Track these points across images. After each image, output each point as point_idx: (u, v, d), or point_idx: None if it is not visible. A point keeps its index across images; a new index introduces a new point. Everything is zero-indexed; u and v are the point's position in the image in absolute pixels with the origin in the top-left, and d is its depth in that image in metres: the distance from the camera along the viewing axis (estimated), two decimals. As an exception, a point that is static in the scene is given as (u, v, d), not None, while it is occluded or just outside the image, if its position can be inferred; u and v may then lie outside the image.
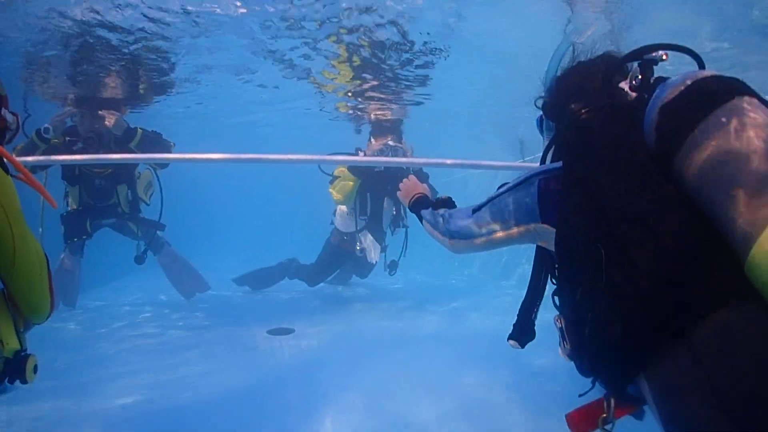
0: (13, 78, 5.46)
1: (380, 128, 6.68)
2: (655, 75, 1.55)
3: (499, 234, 1.72)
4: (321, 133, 9.11)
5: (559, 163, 1.57)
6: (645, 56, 1.54)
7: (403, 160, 5.30)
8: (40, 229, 4.73)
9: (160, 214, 5.63)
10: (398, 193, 2.51)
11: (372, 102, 6.77)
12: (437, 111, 7.24)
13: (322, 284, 6.80)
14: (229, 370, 3.89)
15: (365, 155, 5.86)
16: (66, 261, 5.62)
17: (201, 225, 14.93)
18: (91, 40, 4.37)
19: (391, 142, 5.82)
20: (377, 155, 5.71)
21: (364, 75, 5.59)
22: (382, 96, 6.41)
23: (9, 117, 1.92)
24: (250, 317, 5.53)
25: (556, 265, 1.58)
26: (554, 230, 1.52)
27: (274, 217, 17.35)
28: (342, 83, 5.99)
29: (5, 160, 1.68)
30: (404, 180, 2.53)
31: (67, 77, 5.51)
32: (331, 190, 6.02)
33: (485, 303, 6.28)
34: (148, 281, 7.42)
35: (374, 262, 6.30)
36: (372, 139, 6.14)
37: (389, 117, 7.48)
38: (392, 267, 6.19)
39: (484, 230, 1.76)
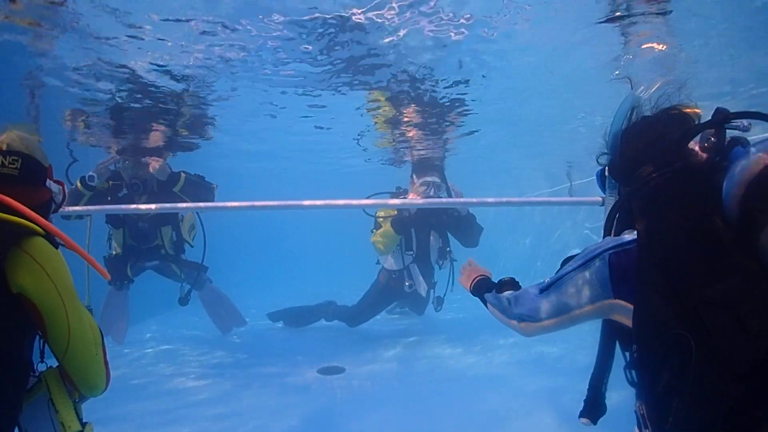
0: (58, 128, 5.57)
1: (422, 165, 6.59)
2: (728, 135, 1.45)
3: (572, 313, 1.66)
4: (359, 168, 9.05)
5: (630, 236, 1.51)
6: (727, 124, 1.45)
7: (441, 200, 5.34)
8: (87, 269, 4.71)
9: (203, 256, 5.61)
10: (459, 279, 2.48)
11: (413, 138, 6.65)
12: (477, 143, 7.05)
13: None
14: (283, 411, 3.88)
15: (409, 192, 5.76)
16: (113, 295, 5.66)
17: (243, 263, 15.01)
18: (135, 94, 4.43)
19: (432, 178, 5.73)
20: (422, 193, 5.65)
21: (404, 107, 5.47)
22: (422, 127, 6.27)
23: (54, 187, 1.92)
24: (298, 355, 5.47)
25: (635, 346, 1.49)
26: (629, 306, 1.46)
27: (317, 257, 17.40)
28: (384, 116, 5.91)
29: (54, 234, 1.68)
30: (464, 265, 2.50)
31: (109, 129, 5.60)
32: (373, 240, 5.96)
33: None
34: (193, 315, 7.35)
35: (424, 295, 6.21)
36: (414, 177, 6.03)
37: (431, 155, 7.39)
38: (439, 302, 6.12)
39: (554, 311, 1.70)
